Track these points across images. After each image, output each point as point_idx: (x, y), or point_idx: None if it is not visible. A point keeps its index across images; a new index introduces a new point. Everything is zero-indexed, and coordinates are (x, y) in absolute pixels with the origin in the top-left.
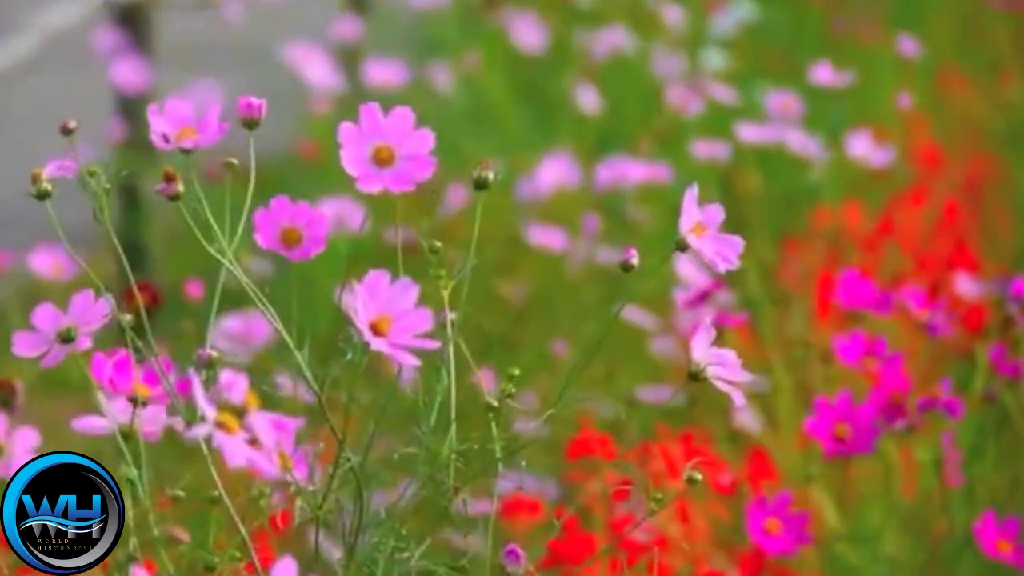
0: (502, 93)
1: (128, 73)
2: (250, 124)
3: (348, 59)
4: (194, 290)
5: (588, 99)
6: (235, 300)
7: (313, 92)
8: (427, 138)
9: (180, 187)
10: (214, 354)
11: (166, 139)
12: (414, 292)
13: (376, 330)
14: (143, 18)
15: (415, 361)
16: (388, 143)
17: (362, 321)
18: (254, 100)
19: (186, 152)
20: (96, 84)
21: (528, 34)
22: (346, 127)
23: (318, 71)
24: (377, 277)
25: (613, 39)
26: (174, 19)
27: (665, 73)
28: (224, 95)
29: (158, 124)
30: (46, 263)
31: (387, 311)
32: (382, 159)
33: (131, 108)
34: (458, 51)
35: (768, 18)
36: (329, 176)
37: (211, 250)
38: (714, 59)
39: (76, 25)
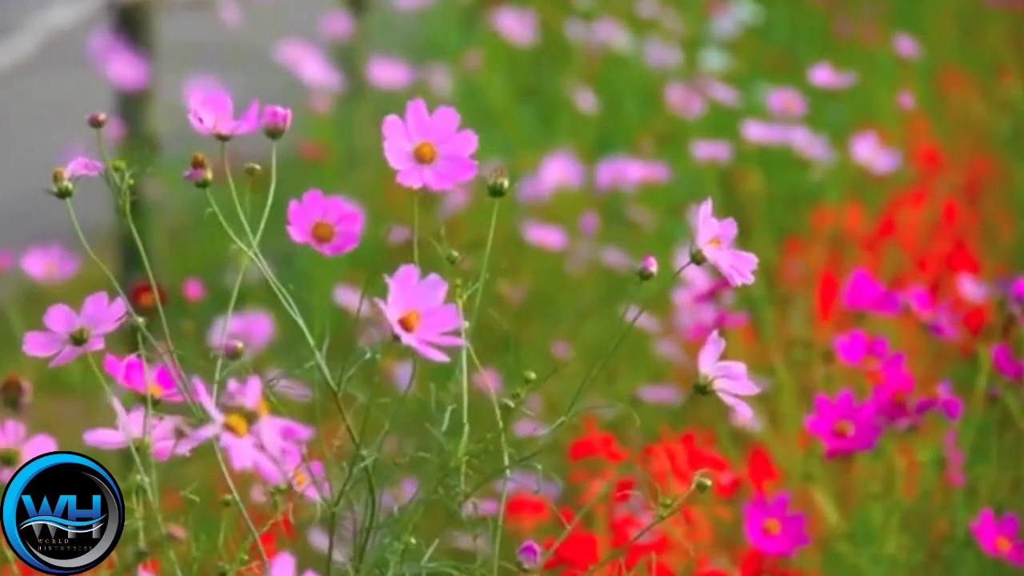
0: (502, 93)
1: (126, 71)
2: (274, 133)
3: (347, 59)
4: (196, 291)
5: (588, 99)
6: (236, 300)
7: (312, 92)
8: (470, 140)
9: (209, 174)
10: (239, 345)
11: (202, 120)
12: (443, 289)
13: (404, 325)
14: (143, 18)
15: (444, 357)
16: (431, 141)
17: (392, 316)
18: (279, 109)
19: (223, 139)
20: (96, 84)
21: (521, 29)
22: (392, 120)
23: (314, 70)
24: (407, 272)
25: (608, 32)
26: (173, 19)
27: (662, 66)
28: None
29: (198, 108)
30: (39, 264)
31: (416, 307)
32: (424, 156)
33: (131, 108)
34: (457, 51)
35: (768, 18)
36: (329, 176)
37: (239, 243)
38: (714, 59)
39: (76, 25)
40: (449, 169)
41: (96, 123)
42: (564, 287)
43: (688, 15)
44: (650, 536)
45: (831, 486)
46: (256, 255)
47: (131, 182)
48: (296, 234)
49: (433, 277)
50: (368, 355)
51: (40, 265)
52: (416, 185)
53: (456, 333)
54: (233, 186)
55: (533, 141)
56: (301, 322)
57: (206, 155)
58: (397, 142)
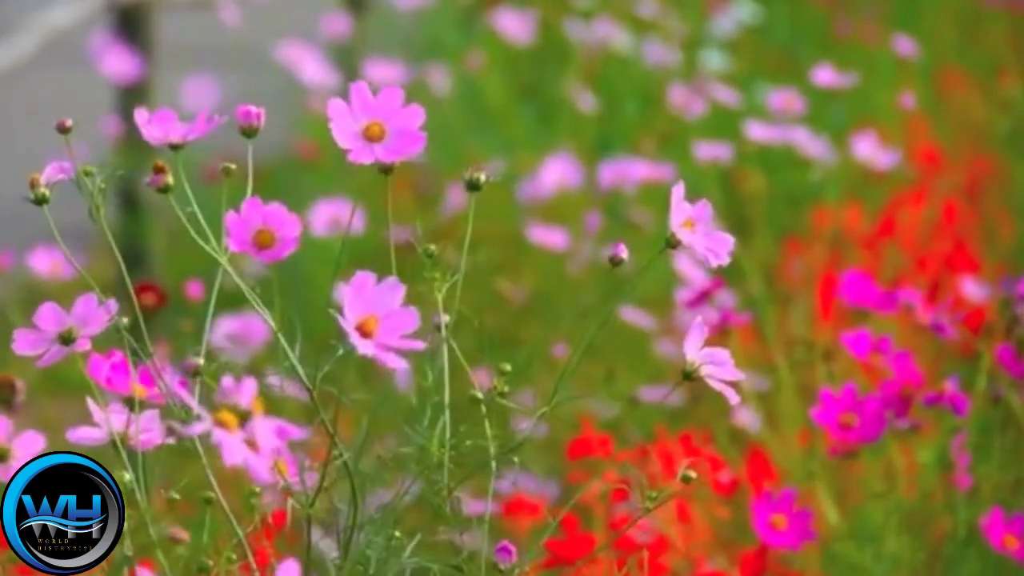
0: (502, 93)
1: (121, 66)
2: (249, 132)
3: (345, 59)
4: (194, 291)
5: (587, 99)
6: (235, 300)
7: (309, 92)
8: (417, 113)
9: (170, 179)
10: (200, 362)
11: (156, 135)
12: (400, 292)
13: (363, 331)
14: (142, 18)
15: (402, 363)
16: (378, 119)
17: (348, 322)
18: (252, 108)
19: (175, 148)
20: (96, 84)
21: (520, 28)
22: (335, 103)
23: (312, 70)
24: (363, 278)
25: (607, 32)
26: (173, 19)
27: (662, 66)
28: (223, 95)
29: (145, 126)
30: (45, 263)
31: (374, 311)
32: (372, 135)
33: (129, 107)
34: (457, 52)
35: (768, 18)
36: (327, 176)
37: (209, 250)
38: (715, 60)
39: (76, 25)
40: (399, 144)
41: (63, 130)
42: (565, 287)
43: (688, 15)
44: (648, 536)
45: (831, 485)
46: (225, 259)
47: (103, 186)
48: (235, 244)
49: (391, 279)
50: (341, 352)
51: (45, 263)
52: (368, 161)
53: (420, 336)
54: (199, 191)
55: (533, 141)
56: (272, 321)
57: (202, 155)
58: (344, 123)
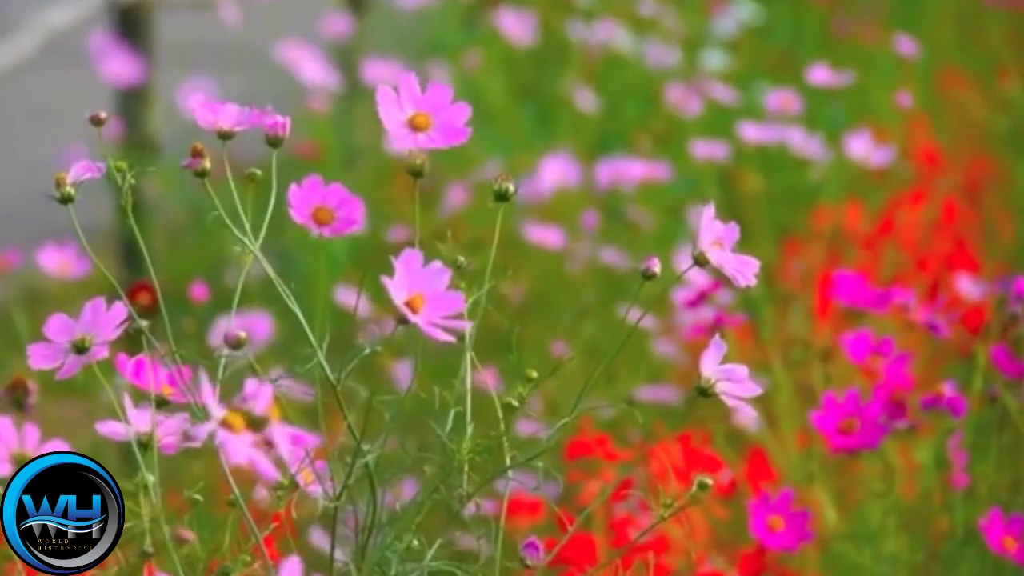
0: (502, 93)
1: (122, 69)
2: (274, 142)
3: (345, 59)
4: (198, 292)
5: (587, 99)
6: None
7: (309, 92)
8: (464, 110)
9: (207, 163)
10: (241, 334)
11: (207, 120)
12: (446, 276)
13: (410, 307)
14: (142, 18)
15: (450, 338)
16: (425, 112)
17: (398, 297)
18: (279, 118)
19: (225, 137)
20: (96, 84)
21: (521, 29)
22: (384, 89)
23: (312, 70)
24: (412, 255)
25: (608, 32)
26: (173, 19)
27: (662, 65)
28: (222, 96)
29: (199, 109)
30: (54, 262)
31: (420, 290)
32: (418, 125)
33: (130, 108)
34: (457, 51)
35: (768, 18)
36: (327, 175)
37: (246, 241)
38: (714, 59)
39: (76, 25)
40: (444, 135)
41: (97, 121)
42: (563, 287)
43: (688, 15)
44: (647, 536)
45: (830, 486)
46: (259, 254)
47: (132, 182)
48: (297, 215)
49: (437, 264)
50: (367, 350)
51: (54, 262)
52: (410, 147)
53: (460, 317)
54: (234, 186)
55: (532, 141)
56: (303, 319)
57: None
58: (391, 110)
